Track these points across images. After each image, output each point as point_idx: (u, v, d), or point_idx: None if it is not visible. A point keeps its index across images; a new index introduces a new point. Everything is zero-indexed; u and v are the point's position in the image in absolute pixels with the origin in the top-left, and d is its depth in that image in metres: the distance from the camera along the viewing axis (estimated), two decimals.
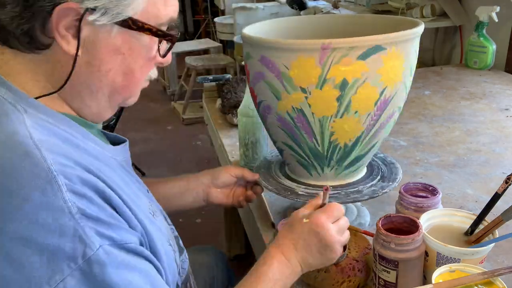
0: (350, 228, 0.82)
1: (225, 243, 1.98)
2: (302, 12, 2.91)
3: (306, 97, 0.73)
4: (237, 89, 1.46)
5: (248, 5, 3.58)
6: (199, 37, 4.82)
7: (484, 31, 1.76)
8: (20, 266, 0.47)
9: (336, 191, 0.82)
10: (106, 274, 0.49)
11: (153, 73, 0.66)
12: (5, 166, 0.49)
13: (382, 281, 0.68)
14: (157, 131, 3.57)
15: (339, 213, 0.70)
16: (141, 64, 0.61)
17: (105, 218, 0.51)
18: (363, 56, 0.70)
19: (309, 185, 0.85)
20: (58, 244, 0.48)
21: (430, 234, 0.67)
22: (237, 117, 1.14)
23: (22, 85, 0.56)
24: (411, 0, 2.11)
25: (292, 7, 2.91)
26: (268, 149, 1.09)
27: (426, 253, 0.67)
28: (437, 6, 1.95)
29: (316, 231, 0.67)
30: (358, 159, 0.82)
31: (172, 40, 0.61)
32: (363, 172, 0.88)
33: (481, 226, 0.69)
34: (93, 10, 0.54)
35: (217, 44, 4.07)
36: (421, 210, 0.75)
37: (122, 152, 0.67)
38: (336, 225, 0.68)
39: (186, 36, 5.75)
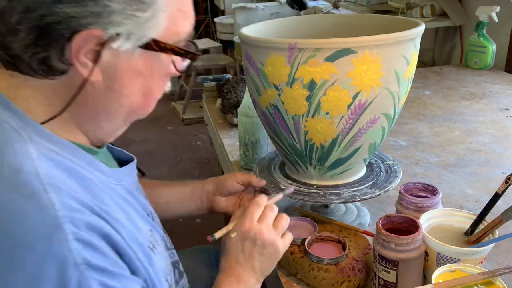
0: (350, 228, 0.83)
1: None
2: (302, 12, 2.91)
3: (279, 94, 0.75)
4: (237, 89, 1.46)
5: (248, 5, 3.59)
6: (199, 37, 4.81)
7: (484, 31, 1.76)
8: None
9: (316, 190, 0.83)
10: None
11: (167, 86, 0.63)
12: (9, 208, 0.46)
13: (382, 281, 0.68)
14: (157, 131, 3.57)
15: (260, 210, 0.71)
16: (159, 83, 0.59)
17: (110, 267, 0.50)
18: (331, 58, 0.68)
19: (298, 182, 0.87)
20: None
21: (430, 234, 0.67)
22: (237, 117, 1.14)
23: (30, 110, 0.53)
24: (411, 0, 2.11)
25: (292, 7, 2.92)
26: (268, 149, 1.10)
27: (426, 253, 0.67)
28: (437, 6, 1.95)
29: (245, 238, 0.69)
30: (340, 161, 0.80)
31: (194, 58, 0.58)
32: (359, 174, 0.87)
33: (481, 226, 0.69)
34: (117, 35, 0.50)
35: (217, 44, 4.08)
36: (421, 210, 0.75)
37: (130, 174, 0.65)
38: (263, 222, 0.69)
39: None
